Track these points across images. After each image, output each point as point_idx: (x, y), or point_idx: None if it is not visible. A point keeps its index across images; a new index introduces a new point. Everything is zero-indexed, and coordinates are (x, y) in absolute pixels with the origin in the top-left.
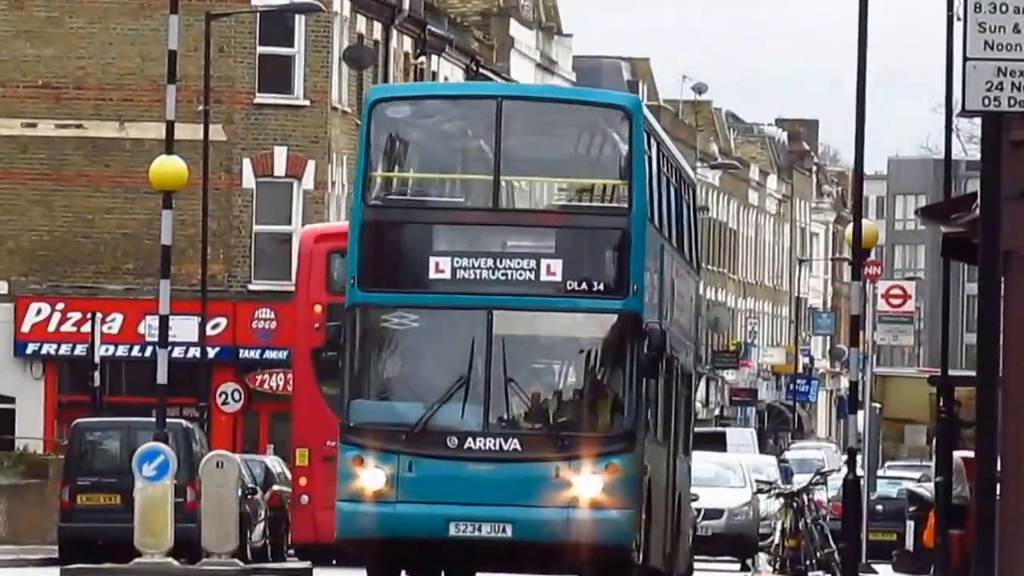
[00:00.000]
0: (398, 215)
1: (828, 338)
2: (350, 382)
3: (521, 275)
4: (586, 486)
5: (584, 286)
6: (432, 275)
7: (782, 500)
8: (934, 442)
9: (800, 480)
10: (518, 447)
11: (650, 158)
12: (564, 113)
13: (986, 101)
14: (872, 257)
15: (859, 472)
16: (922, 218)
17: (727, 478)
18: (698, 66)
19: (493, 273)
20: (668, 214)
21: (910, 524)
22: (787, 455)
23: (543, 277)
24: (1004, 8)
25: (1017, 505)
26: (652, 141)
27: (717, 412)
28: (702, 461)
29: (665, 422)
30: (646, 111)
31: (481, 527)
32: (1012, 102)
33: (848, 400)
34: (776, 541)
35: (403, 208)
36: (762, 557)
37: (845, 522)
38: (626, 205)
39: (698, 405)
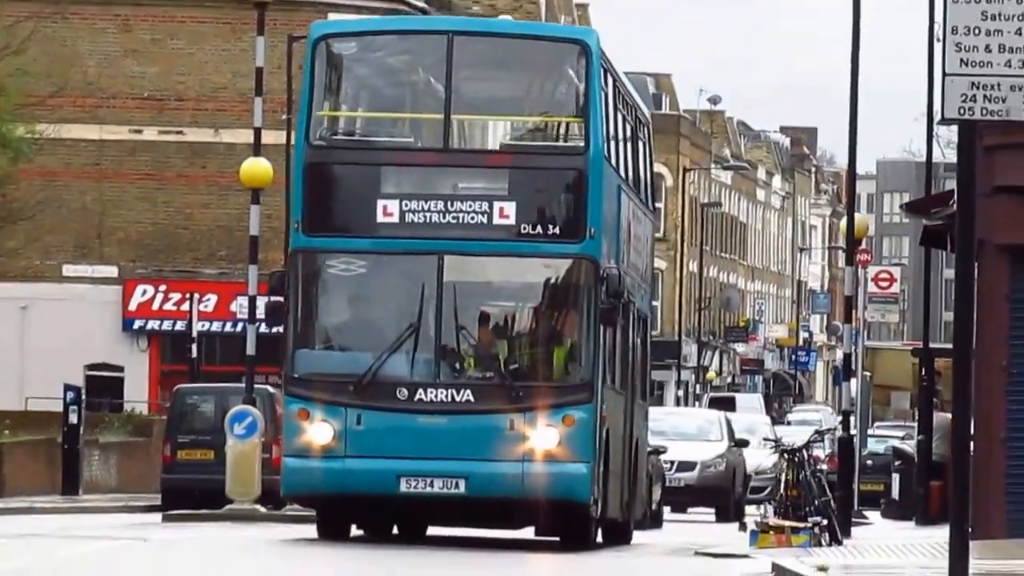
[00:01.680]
0: (344, 156)
1: (825, 316)
2: (294, 331)
3: (473, 218)
4: (542, 438)
5: (539, 229)
6: (380, 219)
7: (785, 455)
8: (916, 406)
9: (801, 437)
10: (471, 398)
11: (606, 95)
12: (518, 49)
13: (961, 111)
14: (863, 246)
15: (852, 431)
16: (906, 212)
17: (707, 432)
18: (713, 78)
19: (444, 216)
20: (624, 153)
21: (895, 477)
22: (790, 416)
23: (496, 220)
24: (977, 31)
25: (988, 460)
26: (608, 78)
27: (729, 380)
28: (684, 416)
29: (623, 368)
30: (603, 46)
31: (433, 482)
32: (984, 112)
33: (842, 369)
34: (780, 491)
35: (349, 149)
36: (767, 505)
37: (840, 475)
38: (583, 144)
39: (712, 373)
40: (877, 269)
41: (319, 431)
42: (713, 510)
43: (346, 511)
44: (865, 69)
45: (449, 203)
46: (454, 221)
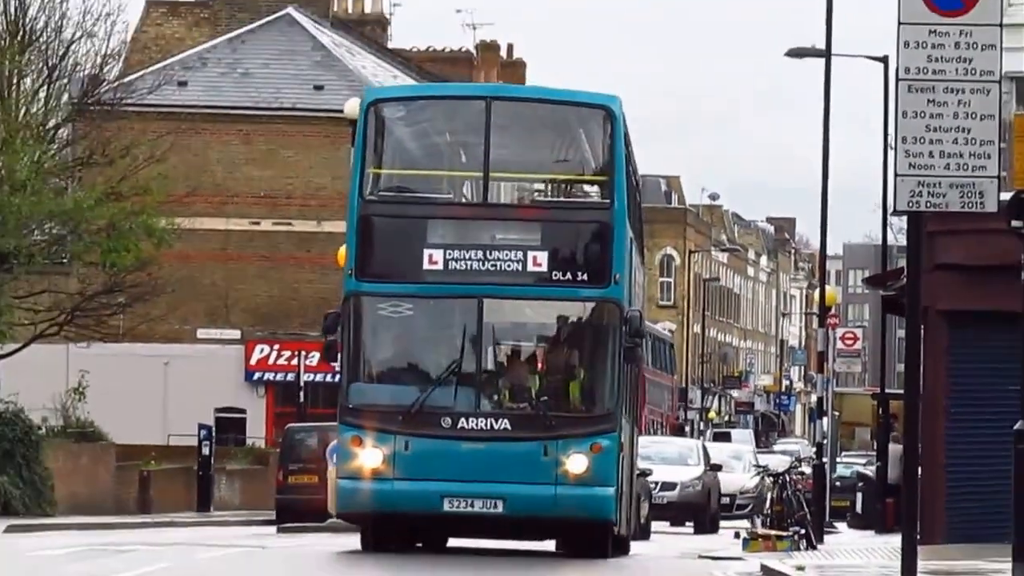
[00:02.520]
0: (393, 209)
1: (802, 367)
2: (349, 366)
3: (509, 266)
4: (573, 464)
5: (568, 276)
6: (425, 266)
7: (770, 478)
8: (875, 439)
9: (783, 464)
10: (508, 427)
11: (626, 156)
12: (550, 112)
13: (910, 204)
14: (832, 312)
15: (824, 459)
16: (867, 285)
17: (686, 457)
18: (713, 179)
19: (483, 264)
20: (632, 210)
21: (859, 495)
22: (775, 447)
23: (530, 267)
24: (922, 140)
25: (931, 482)
26: (626, 142)
27: (727, 418)
28: (667, 444)
29: (631, 401)
30: (624, 111)
31: (474, 503)
32: (928, 204)
33: (816, 410)
34: (766, 507)
35: (397, 203)
36: (756, 518)
37: (814, 493)
38: (608, 201)
39: (712, 413)
40: (843, 330)
41: (370, 456)
42: (692, 524)
43: (394, 529)
44: (833, 172)
45: (488, 252)
46: (492, 268)
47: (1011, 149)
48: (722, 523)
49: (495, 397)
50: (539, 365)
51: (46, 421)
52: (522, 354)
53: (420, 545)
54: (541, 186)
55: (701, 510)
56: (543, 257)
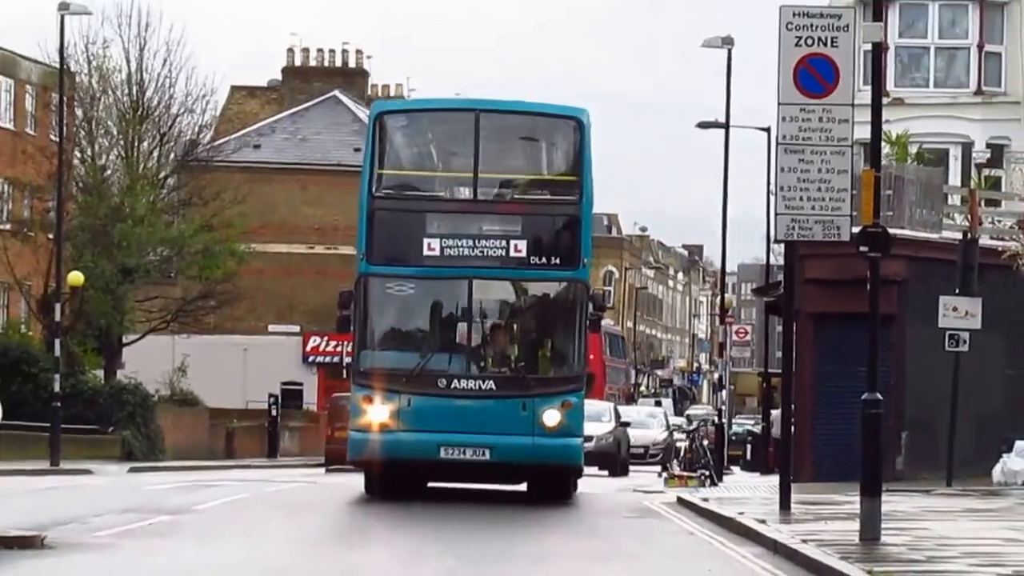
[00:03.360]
0: (397, 204)
1: (708, 353)
2: (360, 336)
3: (494, 252)
4: (548, 418)
5: (544, 260)
6: (425, 252)
7: (685, 433)
8: (760, 406)
9: (694, 424)
10: (493, 387)
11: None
12: (528, 122)
13: (786, 235)
14: (729, 313)
15: (723, 420)
16: (755, 294)
17: (601, 415)
18: (642, 213)
19: (472, 251)
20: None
21: (748, 447)
22: (688, 412)
23: (512, 253)
24: (794, 188)
25: (801, 437)
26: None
27: (653, 391)
28: (586, 405)
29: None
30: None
31: (466, 451)
32: (799, 235)
33: (717, 384)
34: (682, 454)
35: (401, 199)
36: (674, 463)
37: (716, 445)
38: (577, 196)
39: (643, 388)
40: (737, 327)
41: (379, 412)
42: (606, 471)
43: (397, 473)
44: (731, 211)
45: (477, 241)
46: (480, 254)
47: (860, 195)
48: (640, 468)
49: (483, 362)
50: (519, 335)
51: (158, 391)
52: (505, 326)
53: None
54: (521, 184)
55: (612, 459)
56: (523, 245)
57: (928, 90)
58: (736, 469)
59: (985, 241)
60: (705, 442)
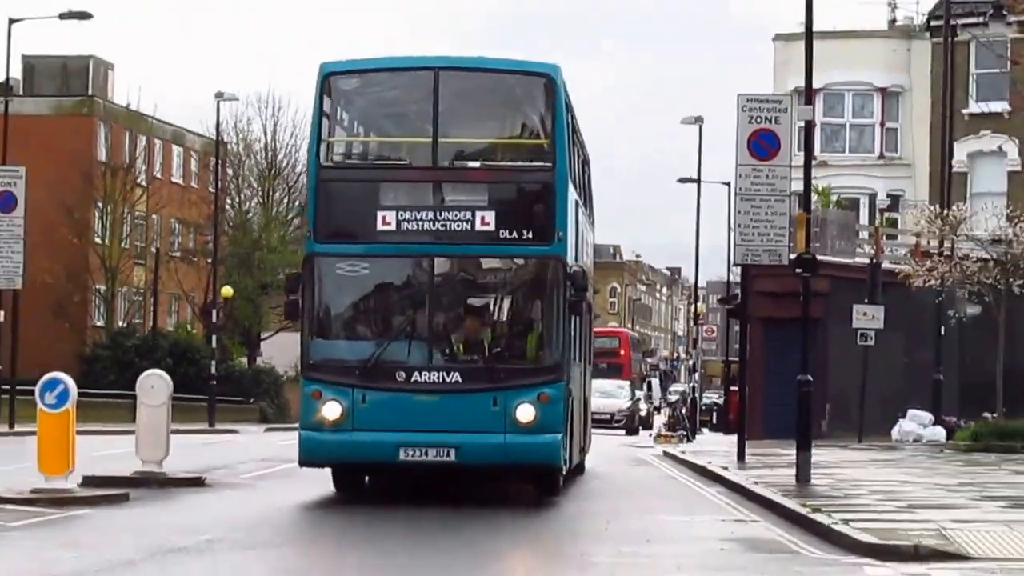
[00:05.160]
0: (348, 175)
1: (685, 346)
2: (309, 324)
3: (458, 226)
4: (521, 413)
5: (515, 234)
6: (379, 227)
7: (669, 405)
8: (723, 385)
9: (676, 395)
10: (459, 379)
11: (568, 122)
12: (494, 81)
13: (742, 260)
14: (700, 317)
15: (696, 395)
16: (720, 304)
17: (617, 392)
18: (637, 243)
19: (433, 224)
20: (577, 175)
21: (714, 414)
22: (671, 389)
23: (478, 227)
24: (748, 226)
25: (752, 407)
26: (568, 110)
27: (644, 373)
28: (608, 383)
29: (580, 347)
30: (564, 79)
31: (428, 452)
32: (752, 260)
33: (692, 368)
34: (669, 418)
35: (353, 169)
36: (663, 427)
37: (690, 413)
38: (551, 163)
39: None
40: (706, 327)
41: (330, 409)
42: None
43: (352, 475)
44: (703, 243)
45: (438, 213)
46: (442, 228)
47: (795, 232)
48: (605, 431)
49: (446, 351)
50: (488, 320)
51: (286, 373)
52: (472, 310)
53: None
54: (487, 150)
55: (630, 424)
56: (490, 216)
57: (845, 155)
58: (706, 431)
59: (886, 265)
60: (683, 410)
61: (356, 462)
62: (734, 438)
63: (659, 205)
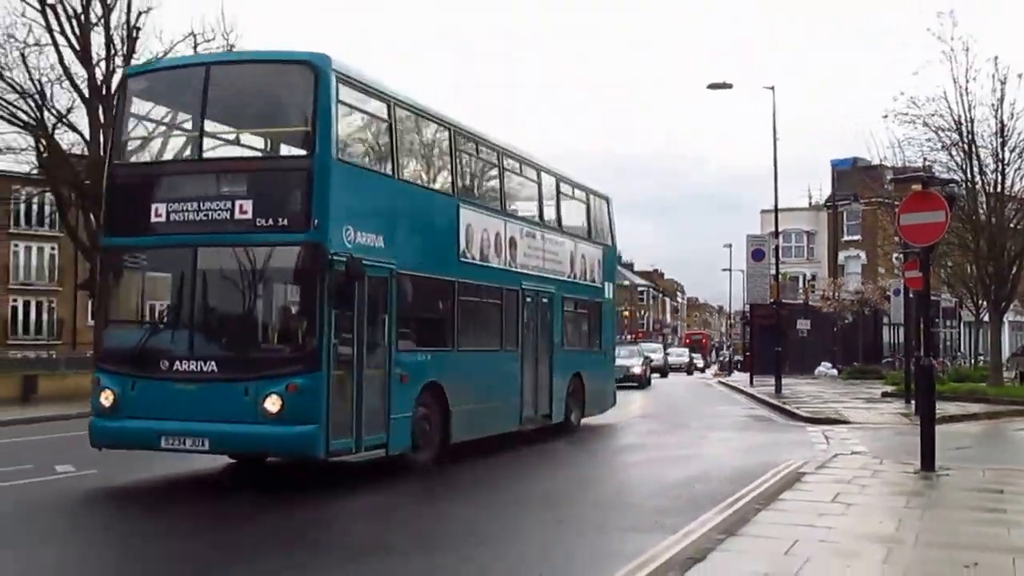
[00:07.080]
0: (129, 171)
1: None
2: (100, 313)
3: (220, 215)
4: (269, 403)
5: (271, 222)
6: (152, 220)
7: (719, 360)
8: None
9: (724, 356)
10: (214, 369)
11: (349, 105)
12: (259, 72)
13: (751, 299)
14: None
15: (731, 356)
16: (740, 319)
17: (632, 354)
18: (639, 256)
19: (198, 215)
20: (377, 148)
21: (740, 363)
22: (722, 353)
23: (237, 216)
24: (753, 287)
25: (755, 360)
26: (346, 90)
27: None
28: (624, 348)
29: (377, 334)
30: (338, 66)
31: (185, 441)
32: (756, 300)
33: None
34: (717, 367)
35: (135, 164)
36: (714, 368)
37: (728, 363)
38: (310, 151)
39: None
40: (735, 329)
41: (105, 396)
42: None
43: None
44: (693, 269)
45: (201, 203)
46: (205, 218)
47: (773, 289)
48: (622, 385)
49: (205, 340)
50: (245, 309)
51: None
52: (231, 299)
53: None
54: (250, 140)
55: (639, 379)
56: (248, 205)
57: (792, 259)
58: (736, 372)
59: (812, 302)
60: (728, 361)
61: (128, 448)
62: (748, 375)
63: (708, 262)
